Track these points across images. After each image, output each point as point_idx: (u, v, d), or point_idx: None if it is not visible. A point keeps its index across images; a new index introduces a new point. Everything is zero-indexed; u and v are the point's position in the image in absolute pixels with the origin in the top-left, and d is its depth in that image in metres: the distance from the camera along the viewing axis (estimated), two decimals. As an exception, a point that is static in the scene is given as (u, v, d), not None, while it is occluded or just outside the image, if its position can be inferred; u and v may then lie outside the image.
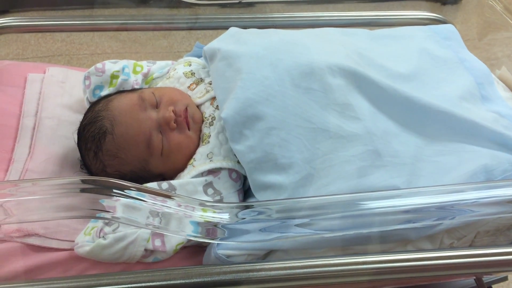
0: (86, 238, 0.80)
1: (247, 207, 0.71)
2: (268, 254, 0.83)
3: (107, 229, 0.80)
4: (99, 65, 1.06)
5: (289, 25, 1.32)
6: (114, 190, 0.66)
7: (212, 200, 0.85)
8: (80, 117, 0.98)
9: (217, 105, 0.94)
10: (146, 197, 0.67)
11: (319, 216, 0.72)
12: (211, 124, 0.93)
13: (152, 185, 0.84)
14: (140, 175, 0.92)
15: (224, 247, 0.79)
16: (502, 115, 0.97)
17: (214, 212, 0.69)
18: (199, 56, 1.09)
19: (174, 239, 0.82)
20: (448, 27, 1.16)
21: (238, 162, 0.88)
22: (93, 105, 0.99)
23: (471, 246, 0.90)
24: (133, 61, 1.11)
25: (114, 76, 1.05)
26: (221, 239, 0.72)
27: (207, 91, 0.98)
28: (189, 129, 0.93)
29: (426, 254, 0.78)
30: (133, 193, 0.66)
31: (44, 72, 1.14)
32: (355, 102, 0.90)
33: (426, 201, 0.75)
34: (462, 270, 0.79)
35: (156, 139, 0.90)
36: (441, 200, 0.75)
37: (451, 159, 0.88)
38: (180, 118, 0.92)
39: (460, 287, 1.11)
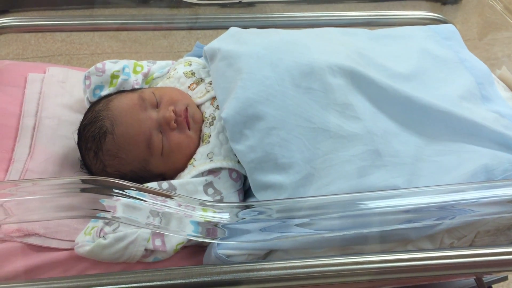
0: (86, 238, 0.80)
1: (247, 207, 0.71)
2: (268, 254, 0.83)
3: (107, 229, 0.80)
4: (99, 65, 1.06)
5: (289, 25, 1.32)
6: (114, 190, 0.66)
7: (212, 200, 0.85)
8: (80, 117, 0.98)
9: (218, 105, 0.94)
10: (147, 197, 0.67)
11: (319, 216, 0.72)
12: (211, 124, 0.93)
13: (153, 185, 0.84)
14: (141, 175, 0.92)
15: (224, 247, 0.79)
16: (502, 115, 0.97)
17: (215, 212, 0.69)
18: (199, 56, 1.09)
19: (175, 239, 0.82)
20: (449, 27, 1.16)
21: (238, 162, 0.88)
22: (93, 105, 0.99)
23: (471, 245, 0.90)
24: (133, 61, 1.11)
25: (114, 76, 1.05)
26: (221, 239, 0.72)
27: (208, 91, 0.98)
28: (189, 129, 0.93)
29: (426, 254, 0.78)
30: (133, 193, 0.66)
31: (44, 72, 1.14)
32: (356, 102, 0.90)
33: (426, 200, 0.75)
34: (462, 269, 0.79)
35: (157, 139, 0.90)
36: (441, 200, 0.75)
37: (452, 159, 0.88)
38: (180, 118, 0.92)
39: (460, 287, 1.11)
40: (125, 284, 0.70)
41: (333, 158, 0.85)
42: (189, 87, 1.02)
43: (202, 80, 1.03)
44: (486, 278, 1.08)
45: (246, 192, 0.92)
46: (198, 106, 0.98)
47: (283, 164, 0.84)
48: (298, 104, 0.88)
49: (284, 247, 0.82)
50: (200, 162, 0.89)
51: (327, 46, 0.98)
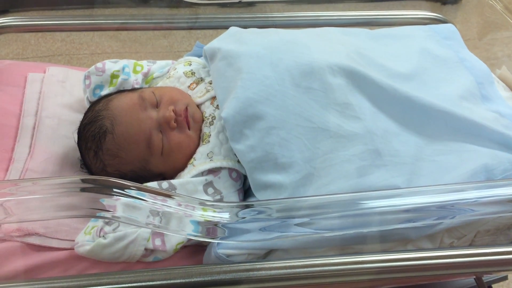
0: (86, 238, 0.80)
1: (247, 206, 0.71)
2: (268, 254, 0.83)
3: (107, 228, 0.80)
4: (99, 64, 1.06)
5: (289, 25, 1.32)
6: (114, 190, 0.66)
7: (212, 200, 0.85)
8: (80, 117, 0.98)
9: (217, 105, 0.94)
10: (146, 196, 0.67)
11: (319, 215, 0.72)
12: (211, 123, 0.93)
13: (153, 184, 0.84)
14: (140, 175, 0.92)
15: (224, 247, 0.79)
16: (502, 114, 0.97)
17: (214, 211, 0.69)
18: (199, 56, 1.09)
19: (174, 238, 0.82)
20: (448, 26, 1.16)
21: (238, 161, 0.88)
22: (93, 104, 0.99)
23: (471, 245, 0.90)
24: (133, 61, 1.11)
25: (114, 76, 1.05)
26: (221, 239, 0.72)
27: (207, 91, 0.98)
28: (189, 129, 0.93)
29: (426, 253, 0.78)
30: (133, 193, 0.66)
31: (44, 72, 1.14)
32: (356, 102, 0.90)
33: (426, 200, 0.75)
34: (462, 269, 0.79)
35: (156, 139, 0.90)
36: (441, 200, 0.75)
37: (452, 159, 0.88)
38: (180, 117, 0.92)
39: (460, 286, 1.11)
40: (125, 283, 0.70)
41: (333, 158, 0.85)
42: (189, 86, 1.02)
43: (202, 79, 1.03)
44: (486, 278, 1.08)
45: (246, 191, 0.92)
46: (198, 106, 0.98)
47: (283, 164, 0.84)
48: (298, 103, 0.88)
49: (284, 246, 0.82)
50: (200, 161, 0.89)
51: (327, 46, 0.98)
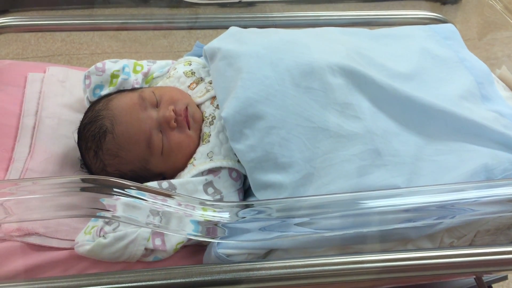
0: (86, 237, 0.80)
1: (247, 206, 0.71)
2: (268, 253, 0.83)
3: (107, 228, 0.80)
4: (99, 64, 1.06)
5: (289, 25, 1.32)
6: (115, 189, 0.66)
7: (212, 199, 0.85)
8: (80, 117, 0.98)
9: (217, 104, 0.94)
10: (147, 196, 0.67)
11: (319, 215, 0.72)
12: (211, 123, 0.93)
13: (153, 184, 0.84)
14: (140, 174, 0.92)
15: (224, 246, 0.79)
16: (502, 114, 0.97)
17: (215, 211, 0.69)
18: (199, 56, 1.09)
19: (174, 238, 0.82)
20: (448, 26, 1.16)
21: (238, 161, 0.88)
22: (93, 104, 0.99)
23: (471, 245, 0.90)
24: (133, 61, 1.11)
25: (114, 76, 1.05)
26: (221, 238, 0.72)
27: (207, 91, 0.98)
28: (189, 128, 0.93)
29: (426, 253, 0.78)
30: (133, 192, 0.66)
31: (45, 72, 1.14)
32: (356, 102, 0.90)
33: (426, 200, 0.75)
34: (462, 269, 0.79)
35: (156, 138, 0.90)
36: (441, 199, 0.75)
37: (452, 159, 0.88)
38: (180, 117, 0.92)
39: (460, 286, 1.11)
40: (125, 283, 0.70)
41: (333, 158, 0.85)
42: (189, 86, 1.02)
43: (202, 79, 1.03)
44: (486, 278, 1.08)
45: (246, 191, 0.92)
46: (198, 106, 0.98)
47: (283, 164, 0.84)
48: (298, 103, 0.88)
49: (284, 246, 0.82)
50: (200, 161, 0.89)
51: (327, 45, 0.98)
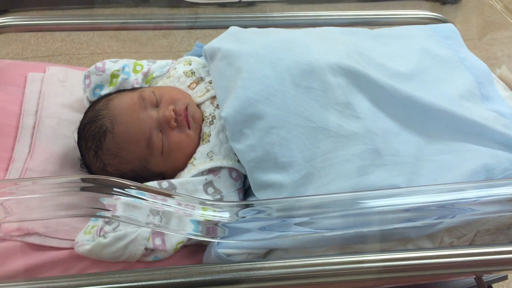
0: (86, 237, 0.80)
1: (247, 206, 0.71)
2: (268, 253, 0.83)
3: (107, 228, 0.80)
4: (99, 64, 1.06)
5: (289, 25, 1.32)
6: (115, 189, 0.65)
7: (212, 199, 0.85)
8: (80, 116, 0.98)
9: (217, 104, 0.94)
10: (147, 195, 0.67)
11: (319, 215, 0.72)
12: (211, 123, 0.93)
13: (153, 184, 0.84)
14: (140, 174, 0.92)
15: (224, 246, 0.79)
16: (502, 114, 0.97)
17: (215, 210, 0.69)
18: (199, 55, 1.09)
19: (175, 238, 0.82)
20: (448, 26, 1.16)
21: (238, 161, 0.88)
22: (93, 104, 0.99)
23: (471, 244, 0.90)
24: (133, 60, 1.11)
25: (114, 75, 1.05)
26: (222, 238, 0.72)
27: (207, 90, 0.98)
28: (189, 128, 0.93)
29: (426, 253, 0.78)
30: (133, 192, 0.66)
31: (44, 71, 1.14)
32: (356, 101, 0.90)
33: (426, 200, 0.75)
34: (462, 268, 0.79)
35: (156, 138, 0.90)
36: (441, 199, 0.75)
37: (452, 158, 0.88)
38: (180, 117, 0.92)
39: (460, 286, 1.11)
40: (125, 283, 0.70)
41: (333, 157, 0.85)
42: (189, 86, 1.02)
43: (202, 79, 1.03)
44: (486, 277, 1.08)
45: (246, 191, 0.92)
46: (198, 105, 0.98)
47: (283, 163, 0.84)
48: (298, 103, 0.88)
49: (284, 246, 0.82)
50: (200, 161, 0.89)
51: (327, 45, 0.98)
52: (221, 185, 0.87)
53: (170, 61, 1.15)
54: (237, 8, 1.38)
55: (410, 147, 0.88)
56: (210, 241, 0.81)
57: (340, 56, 0.94)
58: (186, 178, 0.87)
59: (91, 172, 0.95)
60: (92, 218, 0.82)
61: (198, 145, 0.93)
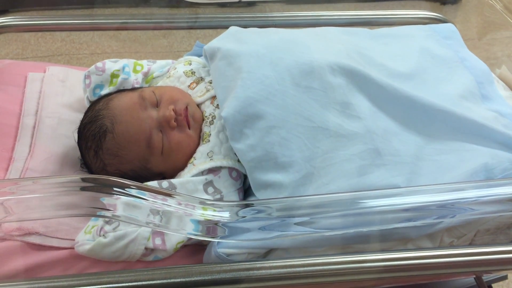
0: (86, 237, 0.80)
1: (247, 205, 0.71)
2: (268, 253, 0.83)
3: (107, 227, 0.80)
4: (99, 64, 1.06)
5: (289, 25, 1.32)
6: (115, 188, 0.65)
7: (212, 199, 0.85)
8: (80, 116, 0.98)
9: (218, 104, 0.94)
10: (147, 195, 0.67)
11: (319, 214, 0.72)
12: (211, 123, 0.93)
13: (153, 183, 0.84)
14: (141, 174, 0.92)
15: (224, 246, 0.79)
16: (502, 114, 0.97)
17: (215, 210, 0.69)
18: (199, 55, 1.09)
19: (175, 237, 0.82)
20: (448, 26, 1.16)
21: (238, 161, 0.88)
22: (93, 104, 0.99)
23: (471, 244, 0.90)
24: (133, 60, 1.11)
25: (114, 75, 1.05)
26: (222, 238, 0.72)
27: (208, 90, 0.98)
28: (189, 128, 0.93)
29: (426, 252, 0.78)
30: (133, 192, 0.66)
31: (45, 71, 1.14)
32: (356, 101, 0.90)
33: (426, 199, 0.75)
34: (462, 268, 0.79)
35: (157, 138, 0.90)
36: (441, 199, 0.75)
37: (452, 158, 0.88)
38: (180, 117, 0.92)
39: (460, 286, 1.11)
40: (125, 282, 0.70)
41: (333, 157, 0.85)
42: (189, 86, 1.02)
43: (202, 79, 1.03)
44: (486, 277, 1.08)
45: (246, 191, 0.92)
46: (198, 105, 0.98)
47: (283, 163, 0.84)
48: (298, 103, 0.88)
49: (284, 245, 0.82)
50: (200, 161, 0.89)
51: (327, 45, 0.98)
52: (221, 184, 0.87)
53: (170, 61, 1.15)
54: (237, 8, 1.38)
55: (410, 147, 0.88)
56: (210, 241, 0.81)
57: (340, 56, 0.94)
58: (186, 178, 0.87)
59: (91, 172, 0.95)
60: (92, 218, 0.82)
61: (198, 145, 0.93)
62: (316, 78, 0.90)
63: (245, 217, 0.70)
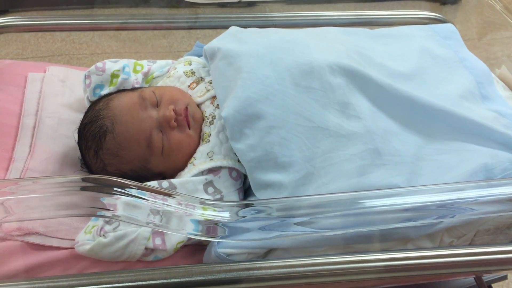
0: (86, 237, 0.80)
1: (247, 205, 0.71)
2: (268, 253, 0.83)
3: (107, 227, 0.80)
4: (99, 64, 1.06)
5: (289, 25, 1.32)
6: (115, 188, 0.66)
7: (212, 199, 0.85)
8: (80, 116, 0.98)
9: (218, 104, 0.94)
10: (147, 195, 0.67)
11: (319, 214, 0.73)
12: (211, 123, 0.93)
13: (153, 183, 0.84)
14: (141, 174, 0.92)
15: (224, 246, 0.79)
16: (502, 114, 0.97)
17: (215, 210, 0.69)
18: (199, 55, 1.09)
19: (175, 237, 0.82)
20: (448, 26, 1.16)
21: (238, 161, 0.88)
22: (93, 104, 0.99)
23: (471, 244, 0.90)
24: (133, 60, 1.11)
25: (114, 75, 1.05)
26: (222, 238, 0.72)
27: (208, 90, 0.98)
28: (189, 128, 0.93)
29: (426, 252, 0.78)
30: (133, 192, 0.66)
31: (45, 71, 1.14)
32: (355, 101, 0.90)
33: (426, 199, 0.75)
34: (462, 268, 0.79)
35: (157, 138, 0.90)
36: (441, 199, 0.75)
37: (451, 158, 0.88)
38: (180, 117, 0.92)
39: (460, 286, 1.11)
40: (125, 282, 0.70)
41: (333, 157, 0.85)
42: (189, 86, 1.02)
43: (202, 79, 1.03)
44: (486, 277, 1.08)
45: (246, 191, 0.92)
46: (198, 105, 0.98)
47: (283, 163, 0.84)
48: (298, 103, 0.88)
49: (284, 245, 0.82)
50: (200, 161, 0.89)
51: (327, 45, 0.98)
52: (221, 184, 0.87)
53: (170, 61, 1.16)
54: (237, 8, 1.38)
55: (410, 147, 0.89)
56: (210, 241, 0.81)
57: (340, 56, 0.94)
58: (186, 178, 0.87)
59: (91, 172, 0.95)
60: (93, 218, 0.82)
61: (198, 145, 0.93)
62: (316, 78, 0.90)
63: (245, 217, 0.70)
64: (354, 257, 0.75)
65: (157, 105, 0.94)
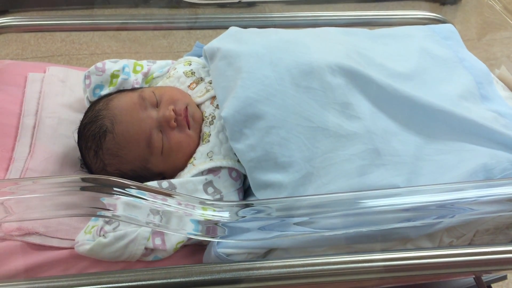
0: (86, 237, 0.81)
1: (247, 205, 0.71)
2: (268, 253, 0.83)
3: (107, 227, 0.80)
4: (99, 64, 1.06)
5: (288, 25, 1.33)
6: (115, 188, 0.66)
7: (212, 199, 0.86)
8: (80, 116, 0.98)
9: (217, 104, 0.94)
10: (147, 195, 0.67)
11: (319, 214, 0.73)
12: (211, 123, 0.93)
13: (153, 183, 0.84)
14: (141, 174, 0.92)
15: (224, 246, 0.79)
16: (501, 114, 0.97)
17: (214, 210, 0.69)
18: (199, 56, 1.09)
19: (174, 237, 0.83)
20: (448, 26, 1.17)
21: (238, 161, 0.88)
22: (93, 104, 0.99)
23: (471, 244, 0.90)
24: (133, 61, 1.11)
25: (114, 76, 1.05)
26: (221, 238, 0.72)
27: (207, 90, 0.99)
28: (189, 128, 0.93)
29: (426, 252, 0.78)
30: (133, 192, 0.66)
31: (45, 71, 1.14)
32: (355, 101, 0.90)
33: (425, 199, 0.75)
34: (462, 268, 0.79)
35: (157, 138, 0.90)
36: (440, 199, 0.76)
37: (451, 158, 0.89)
38: (180, 117, 0.92)
39: (460, 286, 1.11)
40: (125, 282, 0.70)
41: (333, 157, 0.85)
42: (189, 86, 1.02)
43: (202, 79, 1.03)
44: (485, 277, 1.08)
45: (246, 191, 0.92)
46: (198, 106, 0.98)
47: (283, 163, 0.84)
48: (298, 103, 0.88)
49: (284, 245, 0.82)
50: (200, 161, 0.89)
51: (326, 45, 0.98)
52: (221, 185, 0.87)
53: (170, 61, 1.16)
54: (237, 9, 1.39)
55: (410, 147, 0.89)
56: (210, 241, 0.81)
57: (339, 56, 0.94)
58: (186, 178, 0.87)
59: (91, 172, 0.95)
60: (92, 218, 0.82)
61: (198, 145, 0.93)
62: (315, 78, 0.90)
63: (245, 217, 0.70)
64: (354, 257, 0.75)
65: (157, 105, 0.94)
